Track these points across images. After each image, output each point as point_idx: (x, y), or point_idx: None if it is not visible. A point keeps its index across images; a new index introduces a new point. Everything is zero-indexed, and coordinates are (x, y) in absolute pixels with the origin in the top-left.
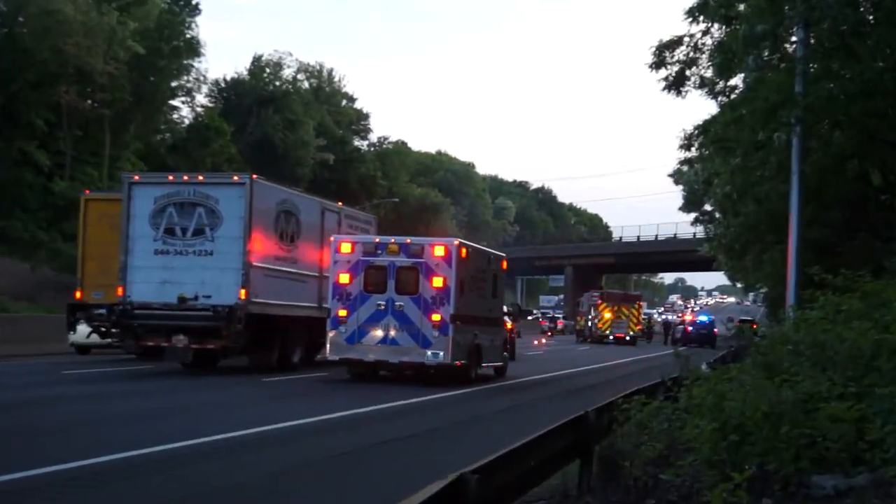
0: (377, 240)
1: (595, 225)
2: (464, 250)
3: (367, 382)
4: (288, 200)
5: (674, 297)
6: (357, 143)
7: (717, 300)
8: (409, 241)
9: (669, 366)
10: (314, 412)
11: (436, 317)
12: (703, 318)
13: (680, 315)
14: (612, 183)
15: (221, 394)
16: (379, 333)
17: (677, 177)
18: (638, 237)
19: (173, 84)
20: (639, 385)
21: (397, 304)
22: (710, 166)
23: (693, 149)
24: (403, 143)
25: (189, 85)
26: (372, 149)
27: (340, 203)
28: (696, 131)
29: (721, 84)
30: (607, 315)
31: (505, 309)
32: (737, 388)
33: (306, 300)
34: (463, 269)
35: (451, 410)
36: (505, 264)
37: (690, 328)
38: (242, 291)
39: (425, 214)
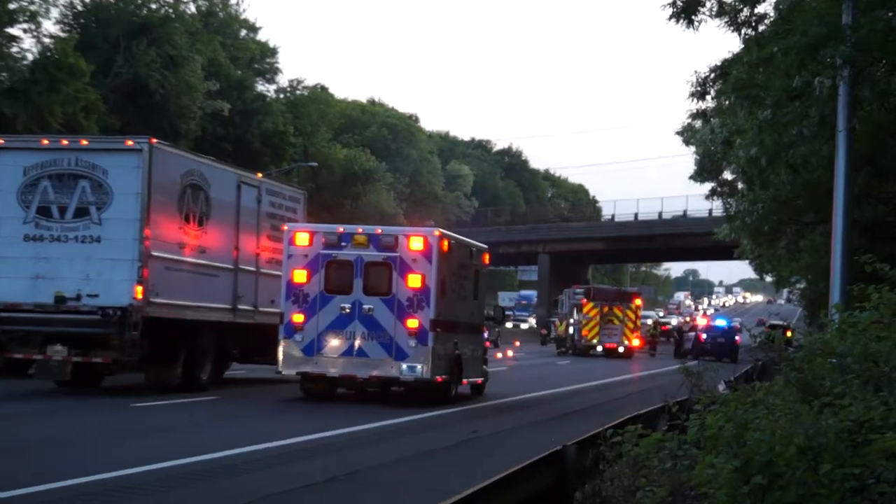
0: (341, 229)
1: (579, 199)
2: (445, 242)
3: (321, 404)
4: (196, 172)
5: (680, 296)
6: (261, 87)
7: (740, 299)
8: (379, 230)
9: (676, 386)
10: (227, 444)
11: (412, 322)
12: (722, 322)
13: (688, 319)
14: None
15: (106, 422)
16: (343, 343)
17: (687, 135)
18: (635, 215)
19: (11, 6)
20: (635, 411)
21: (366, 307)
22: (731, 121)
23: (709, 98)
24: (323, 90)
25: (33, 7)
26: (281, 96)
27: (260, 175)
28: (713, 74)
29: (746, 12)
30: (594, 319)
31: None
32: (764, 415)
33: (218, 300)
34: (444, 265)
35: (400, 443)
36: (487, 258)
37: (705, 336)
38: (138, 289)
39: (353, 184)
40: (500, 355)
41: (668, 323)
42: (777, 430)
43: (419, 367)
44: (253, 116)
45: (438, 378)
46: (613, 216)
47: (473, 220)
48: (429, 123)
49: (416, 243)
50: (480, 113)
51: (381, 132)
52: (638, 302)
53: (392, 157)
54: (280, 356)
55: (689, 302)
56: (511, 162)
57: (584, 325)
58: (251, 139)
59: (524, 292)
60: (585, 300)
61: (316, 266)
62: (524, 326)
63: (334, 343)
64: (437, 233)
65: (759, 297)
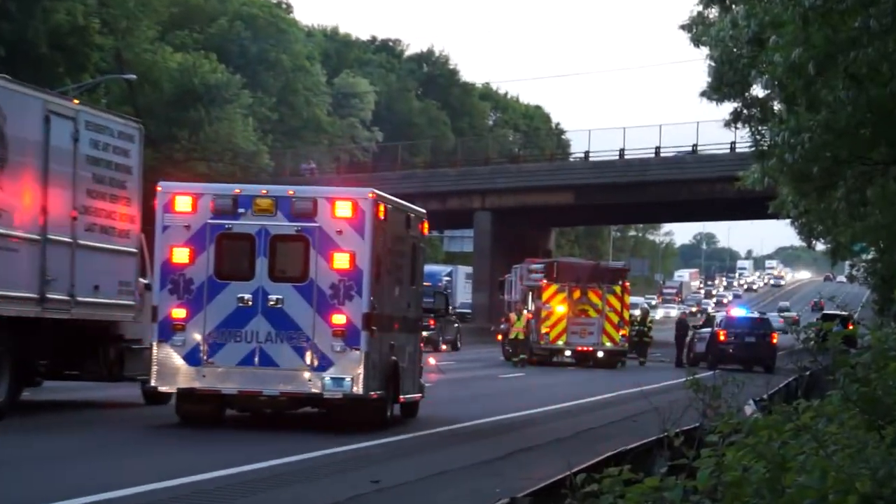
0: (237, 191)
1: (536, 128)
2: (381, 208)
3: (195, 434)
4: None
5: (683, 275)
6: None
7: (776, 277)
8: (291, 192)
9: (680, 407)
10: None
11: (339, 318)
12: (747, 312)
13: (695, 310)
14: (566, 45)
15: None
16: (242, 348)
17: (698, 31)
18: (620, 152)
19: None
20: (618, 445)
21: (273, 297)
22: (764, 9)
23: None
24: None
25: None
26: None
27: (77, 101)
28: None
29: None
30: (560, 309)
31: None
32: (811, 450)
33: (16, 286)
34: (381, 239)
35: (260, 499)
36: (426, 227)
37: (726, 333)
38: None
39: (191, 107)
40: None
41: (669, 315)
42: (831, 472)
43: (348, 379)
44: (36, 4)
45: (373, 394)
46: (587, 154)
47: (377, 160)
48: (308, 14)
49: (343, 209)
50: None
51: (235, 28)
52: (625, 283)
53: (251, 66)
54: (153, 367)
55: (696, 283)
56: (433, 73)
57: (545, 320)
58: (35, 39)
59: (435, 268)
60: (546, 281)
61: (202, 241)
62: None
63: (230, 347)
64: (371, 195)
65: (804, 275)
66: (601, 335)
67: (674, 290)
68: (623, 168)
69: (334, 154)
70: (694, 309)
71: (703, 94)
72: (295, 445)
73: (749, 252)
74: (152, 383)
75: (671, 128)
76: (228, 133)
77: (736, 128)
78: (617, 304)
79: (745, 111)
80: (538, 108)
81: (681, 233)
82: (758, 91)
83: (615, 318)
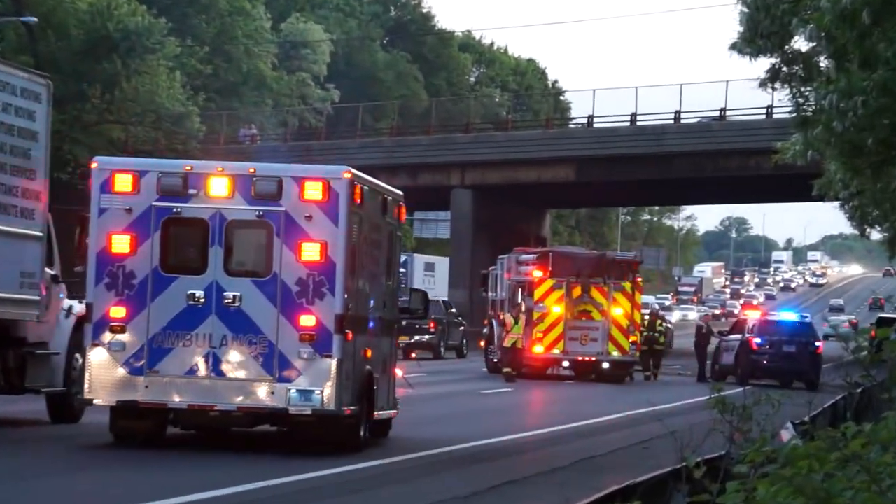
0: (188, 167)
1: (529, 87)
2: (357, 190)
3: (125, 456)
4: None
5: (705, 270)
6: None
7: (815, 274)
8: (252, 170)
9: (701, 432)
10: None
11: (307, 320)
12: (789, 315)
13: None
14: None
15: None
16: (193, 354)
17: None
18: (632, 117)
19: None
20: (626, 477)
21: (229, 294)
22: None
23: None
24: None
25: None
26: None
27: None
28: None
29: None
30: (557, 309)
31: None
32: (862, 484)
33: None
34: (357, 224)
35: None
36: (403, 213)
37: (759, 342)
38: None
39: (104, 58)
40: None
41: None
42: None
43: (317, 392)
44: None
45: (347, 410)
46: (591, 119)
47: (332, 124)
48: None
49: (313, 191)
50: None
51: None
52: (636, 278)
53: (179, 8)
54: (87, 375)
55: (720, 280)
56: (401, 19)
57: (538, 323)
58: None
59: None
60: (540, 275)
61: (146, 227)
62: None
63: (178, 353)
64: (346, 174)
65: (855, 269)
66: (606, 342)
67: (692, 289)
68: (635, 137)
69: (280, 117)
70: (718, 311)
71: (733, 46)
72: (242, 472)
73: (789, 241)
74: (85, 395)
75: (694, 88)
76: (150, 90)
77: (773, 89)
78: (626, 305)
79: (784, 68)
80: (531, 62)
81: (705, 217)
82: (800, 44)
83: (624, 322)
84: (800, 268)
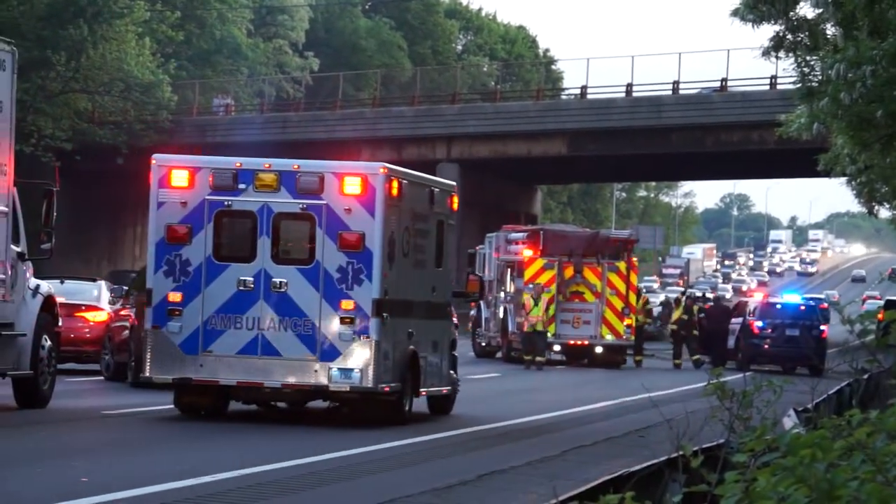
0: (238, 164)
1: (519, 56)
2: (395, 184)
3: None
4: None
5: (694, 251)
6: None
7: (804, 261)
8: (296, 166)
9: (699, 419)
10: None
11: (347, 304)
12: (792, 297)
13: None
14: None
15: None
16: (243, 335)
17: None
18: (628, 88)
19: None
20: (618, 467)
21: (276, 281)
22: None
23: None
24: None
25: None
26: None
27: None
28: None
29: None
30: (548, 291)
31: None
32: (867, 474)
33: None
34: (394, 217)
35: None
36: (456, 202)
37: (761, 325)
38: None
39: (69, 23)
40: None
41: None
42: (893, 501)
43: (357, 370)
44: None
45: (385, 388)
46: (585, 90)
47: (311, 95)
48: None
49: (352, 185)
50: None
51: None
52: (632, 257)
53: None
54: (147, 354)
55: (710, 263)
56: None
57: (530, 302)
58: None
59: None
60: (530, 254)
61: (200, 219)
62: None
63: (230, 335)
64: (382, 170)
65: (860, 249)
66: (600, 325)
67: (678, 271)
68: (630, 109)
69: (256, 87)
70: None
71: (734, 13)
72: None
73: (793, 220)
74: (146, 373)
75: (693, 57)
76: (118, 58)
77: (777, 58)
78: (621, 286)
79: (789, 36)
80: (521, 29)
81: (705, 194)
82: (806, 10)
83: (618, 304)
84: (799, 250)
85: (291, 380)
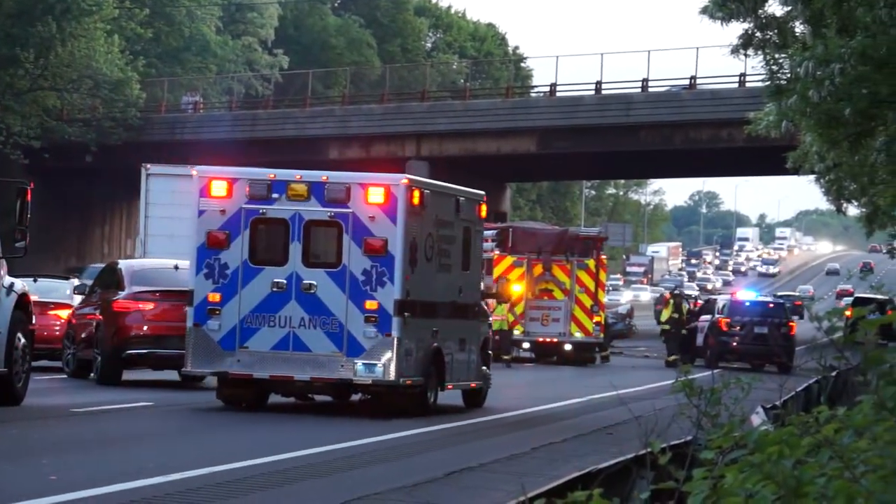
0: (272, 175)
1: (489, 53)
2: (416, 193)
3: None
4: None
5: (659, 249)
6: None
7: (766, 260)
8: (325, 178)
9: (666, 416)
10: None
11: (371, 304)
12: (757, 295)
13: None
14: None
15: None
16: (276, 332)
17: None
18: (597, 86)
19: None
20: (586, 464)
21: (306, 282)
22: None
23: None
24: None
25: None
26: None
27: None
28: None
29: None
30: (517, 288)
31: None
32: (834, 470)
33: None
34: (415, 224)
35: None
36: (484, 210)
37: (729, 323)
38: None
39: (38, 21)
40: None
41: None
42: (860, 498)
43: (379, 365)
44: None
45: (408, 381)
46: (554, 87)
47: (280, 92)
48: None
49: (376, 195)
50: None
51: None
52: (601, 255)
53: None
54: (189, 350)
55: (675, 262)
56: None
57: (493, 303)
58: None
59: None
60: (498, 252)
61: (237, 226)
62: None
63: (264, 332)
64: (404, 181)
65: (826, 247)
66: (569, 323)
67: (642, 269)
68: (600, 106)
69: (225, 84)
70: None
71: (704, 10)
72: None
73: (761, 217)
74: (186, 367)
75: (663, 55)
76: (87, 55)
77: (746, 55)
78: (590, 283)
79: (758, 34)
80: (490, 27)
81: (674, 192)
82: (775, 8)
83: (587, 302)
84: (759, 249)
85: (320, 374)
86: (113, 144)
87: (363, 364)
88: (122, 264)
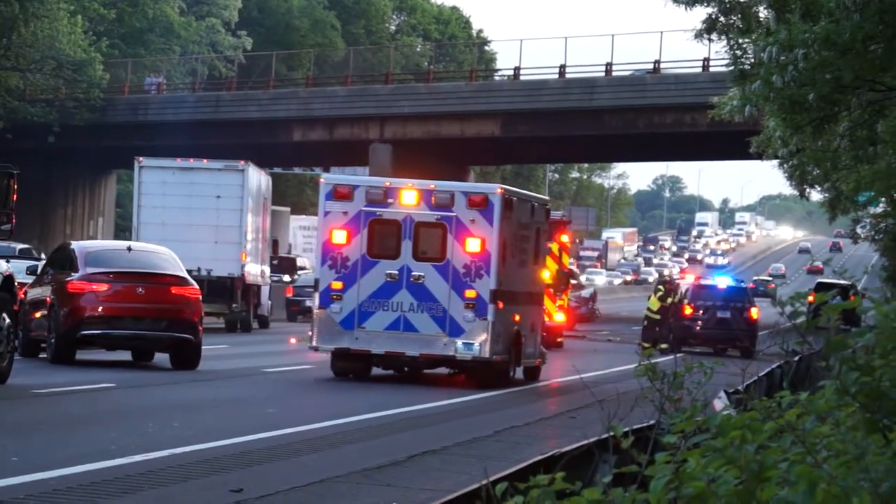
0: (387, 183)
1: (452, 36)
2: (507, 200)
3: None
4: None
5: (614, 234)
6: None
7: (717, 252)
8: (432, 186)
9: (629, 401)
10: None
11: (470, 293)
12: (722, 280)
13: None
14: None
15: None
16: (389, 315)
17: None
18: (560, 69)
19: None
20: (549, 448)
21: (415, 274)
22: None
23: None
24: None
25: None
26: None
27: None
28: None
29: None
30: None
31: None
32: (796, 455)
33: None
34: (507, 226)
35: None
36: (549, 213)
37: (693, 308)
38: None
39: (4, 2)
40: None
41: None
42: (821, 484)
43: (476, 344)
44: None
45: (497, 357)
46: (518, 71)
47: (243, 73)
48: None
49: (476, 201)
50: None
51: None
52: (564, 238)
53: None
54: (314, 328)
55: (631, 248)
56: None
57: None
58: None
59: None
60: None
61: (357, 225)
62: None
63: (379, 315)
64: (499, 190)
65: (789, 233)
66: None
67: (595, 254)
68: (563, 90)
69: (188, 65)
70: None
71: None
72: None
73: (724, 202)
74: (313, 343)
75: (626, 39)
76: (50, 35)
77: (710, 40)
78: (553, 267)
79: (722, 18)
80: (454, 10)
81: (637, 176)
82: None
83: (551, 285)
84: (725, 233)
85: (426, 351)
86: (76, 125)
87: (463, 343)
88: (75, 245)
